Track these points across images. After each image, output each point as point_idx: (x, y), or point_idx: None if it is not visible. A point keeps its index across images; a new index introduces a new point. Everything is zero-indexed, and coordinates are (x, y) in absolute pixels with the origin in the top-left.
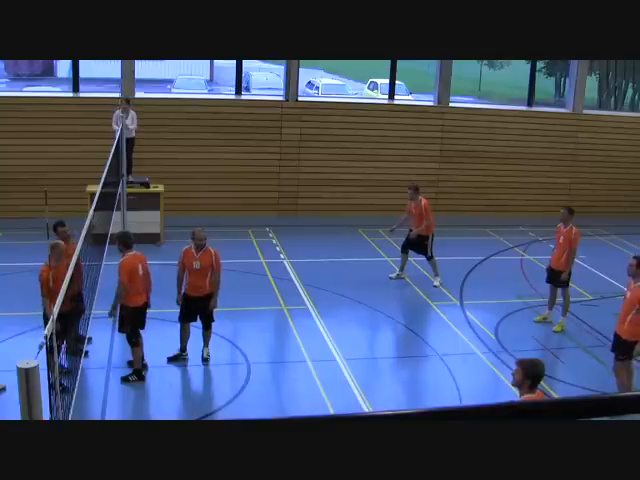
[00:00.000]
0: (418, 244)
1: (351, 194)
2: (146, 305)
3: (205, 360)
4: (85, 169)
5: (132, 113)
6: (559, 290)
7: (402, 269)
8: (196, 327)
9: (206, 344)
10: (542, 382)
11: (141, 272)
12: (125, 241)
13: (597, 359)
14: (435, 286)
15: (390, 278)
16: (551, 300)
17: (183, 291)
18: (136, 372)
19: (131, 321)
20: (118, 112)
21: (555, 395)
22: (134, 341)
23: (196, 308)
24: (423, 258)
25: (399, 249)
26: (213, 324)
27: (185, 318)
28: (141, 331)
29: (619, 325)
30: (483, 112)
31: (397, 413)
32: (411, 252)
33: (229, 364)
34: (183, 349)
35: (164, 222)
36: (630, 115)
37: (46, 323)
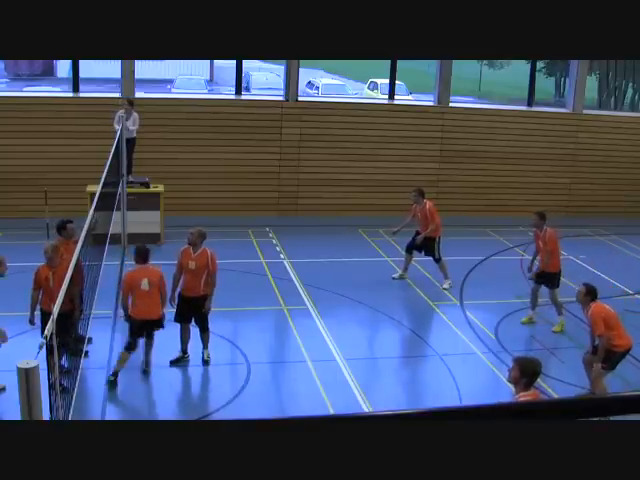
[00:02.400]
0: (425, 246)
1: (351, 194)
2: (151, 321)
3: (205, 362)
4: (85, 169)
5: (135, 115)
6: (543, 291)
7: (405, 269)
8: (196, 327)
9: (205, 346)
10: (540, 381)
11: (146, 287)
12: (135, 256)
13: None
14: (444, 289)
15: (393, 278)
16: (533, 301)
17: (179, 290)
18: (115, 373)
19: (132, 330)
20: (120, 112)
21: (555, 395)
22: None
23: (190, 308)
24: (426, 259)
25: (400, 249)
26: (211, 325)
27: (180, 318)
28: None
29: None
30: (483, 112)
31: (397, 413)
32: (414, 252)
33: (229, 364)
34: (184, 351)
35: (164, 222)
36: (630, 115)
37: (44, 320)
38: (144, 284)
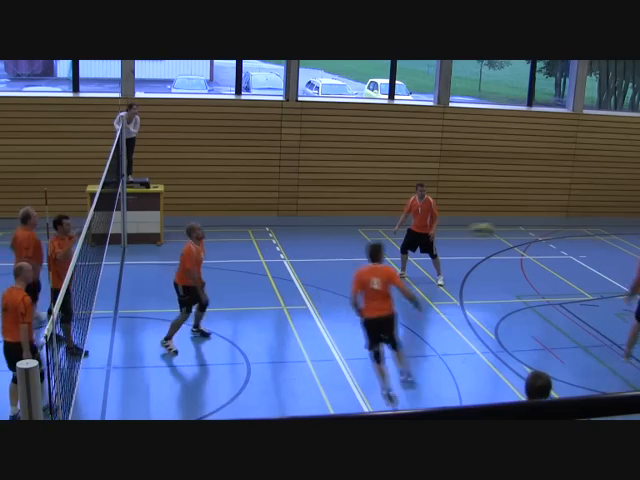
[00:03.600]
0: (424, 243)
1: (351, 194)
2: (379, 318)
3: (205, 334)
4: (85, 169)
5: (137, 118)
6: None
7: (404, 269)
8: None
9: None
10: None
11: (375, 286)
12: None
13: (597, 359)
14: (440, 285)
15: None
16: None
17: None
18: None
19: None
20: (122, 113)
21: (555, 395)
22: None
23: (197, 295)
24: (424, 258)
25: (399, 249)
26: (212, 325)
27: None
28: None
29: None
30: (483, 112)
31: (397, 413)
32: (410, 252)
33: (229, 364)
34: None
35: (164, 222)
36: (630, 115)
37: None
38: (373, 283)
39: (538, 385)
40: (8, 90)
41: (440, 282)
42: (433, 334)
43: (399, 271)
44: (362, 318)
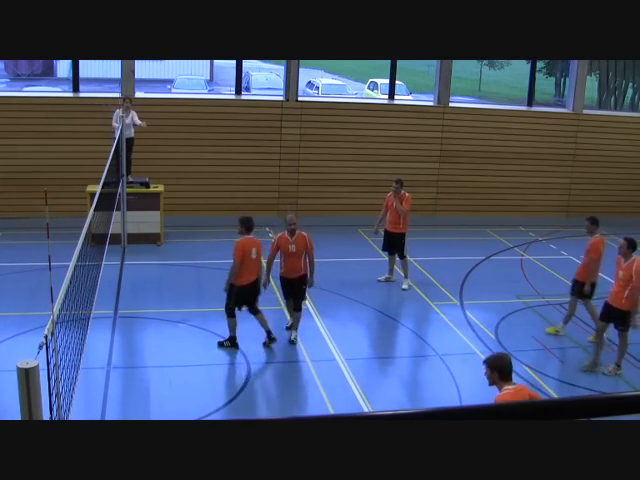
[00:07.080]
0: (395, 242)
1: (351, 194)
2: (254, 284)
3: (292, 342)
4: (85, 169)
5: (132, 112)
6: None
7: (391, 271)
8: (207, 332)
9: (295, 327)
10: (540, 381)
11: (254, 255)
12: (247, 225)
13: None
14: (404, 289)
15: (378, 281)
16: (569, 316)
17: (279, 274)
18: (230, 339)
19: (235, 297)
20: (118, 111)
21: (555, 395)
22: (229, 312)
23: (292, 288)
24: (422, 258)
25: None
26: (211, 325)
27: (285, 296)
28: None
29: (617, 300)
30: (483, 112)
31: (397, 413)
32: (411, 253)
33: (229, 364)
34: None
35: (164, 222)
36: (630, 115)
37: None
38: (253, 253)
39: (503, 361)
40: (8, 90)
41: (404, 286)
42: (433, 334)
43: (386, 274)
44: (236, 285)
